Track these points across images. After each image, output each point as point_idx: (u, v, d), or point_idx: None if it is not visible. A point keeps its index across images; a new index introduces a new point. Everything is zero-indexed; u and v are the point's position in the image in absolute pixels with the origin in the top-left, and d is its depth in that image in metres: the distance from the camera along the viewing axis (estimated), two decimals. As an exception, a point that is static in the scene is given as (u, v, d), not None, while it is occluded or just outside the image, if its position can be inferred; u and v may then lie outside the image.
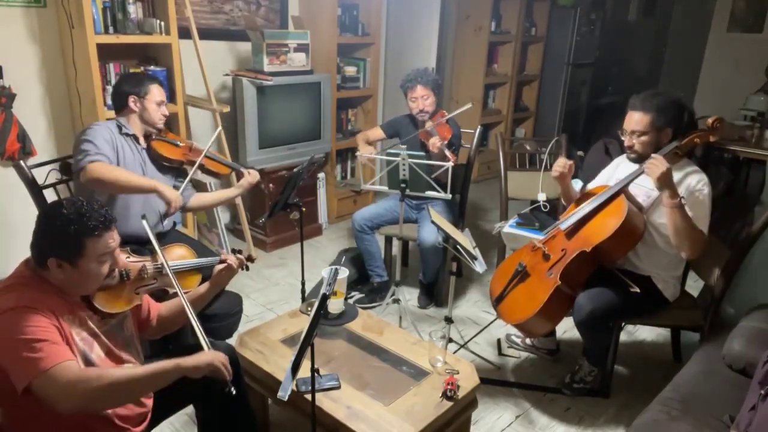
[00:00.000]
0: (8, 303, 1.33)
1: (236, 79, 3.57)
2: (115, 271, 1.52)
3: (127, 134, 2.34)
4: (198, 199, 2.60)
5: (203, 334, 1.57)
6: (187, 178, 2.43)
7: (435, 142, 2.78)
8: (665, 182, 2.05)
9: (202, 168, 2.51)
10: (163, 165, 2.43)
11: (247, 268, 2.00)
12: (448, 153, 2.72)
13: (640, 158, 2.22)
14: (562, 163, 2.34)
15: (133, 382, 1.35)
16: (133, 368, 1.37)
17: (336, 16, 3.92)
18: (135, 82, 2.36)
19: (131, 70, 3.07)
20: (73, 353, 1.37)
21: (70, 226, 1.38)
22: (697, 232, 2.10)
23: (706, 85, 5.88)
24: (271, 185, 2.69)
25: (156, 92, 2.37)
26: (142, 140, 2.41)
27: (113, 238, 1.46)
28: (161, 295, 1.85)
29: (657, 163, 2.06)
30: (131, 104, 2.34)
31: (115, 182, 2.16)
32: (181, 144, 2.51)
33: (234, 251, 1.94)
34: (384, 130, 3.28)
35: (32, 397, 1.35)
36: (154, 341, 2.32)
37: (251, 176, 2.57)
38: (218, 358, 1.45)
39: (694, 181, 2.18)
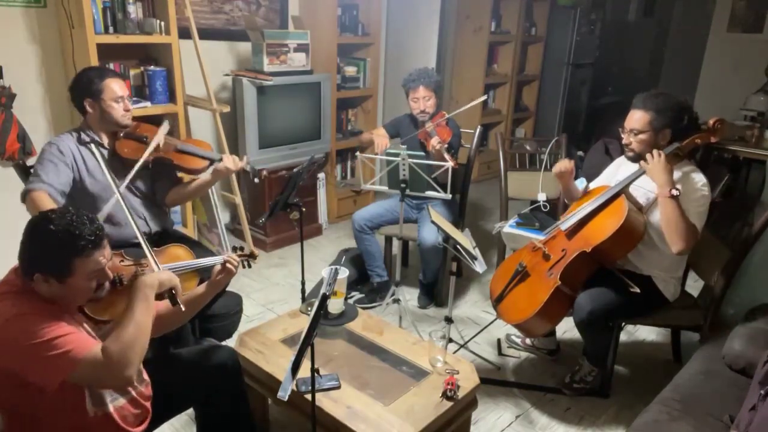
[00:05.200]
0: (7, 310, 1.31)
1: (236, 79, 3.57)
2: (105, 284, 1.45)
3: (86, 143, 2.18)
4: (176, 191, 2.46)
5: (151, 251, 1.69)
6: (131, 173, 2.15)
7: (434, 144, 2.76)
8: (658, 173, 2.09)
9: (171, 164, 2.34)
10: (127, 167, 2.19)
11: (249, 266, 1.94)
12: (447, 156, 2.70)
13: (637, 157, 2.24)
14: (563, 164, 2.41)
15: (137, 327, 1.38)
16: (123, 317, 1.39)
17: (336, 16, 3.93)
18: (86, 83, 2.15)
19: (133, 71, 3.08)
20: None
21: (59, 244, 1.31)
22: (689, 224, 2.09)
23: (706, 85, 5.88)
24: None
25: (112, 88, 2.16)
26: (107, 143, 2.25)
27: (104, 255, 1.39)
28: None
29: (654, 156, 2.11)
30: (88, 108, 2.18)
31: None
32: (149, 139, 2.28)
33: (235, 248, 1.89)
34: (387, 130, 3.26)
35: (34, 401, 1.35)
36: (154, 344, 2.32)
37: (232, 162, 2.35)
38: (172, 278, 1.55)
39: (693, 182, 2.18)
